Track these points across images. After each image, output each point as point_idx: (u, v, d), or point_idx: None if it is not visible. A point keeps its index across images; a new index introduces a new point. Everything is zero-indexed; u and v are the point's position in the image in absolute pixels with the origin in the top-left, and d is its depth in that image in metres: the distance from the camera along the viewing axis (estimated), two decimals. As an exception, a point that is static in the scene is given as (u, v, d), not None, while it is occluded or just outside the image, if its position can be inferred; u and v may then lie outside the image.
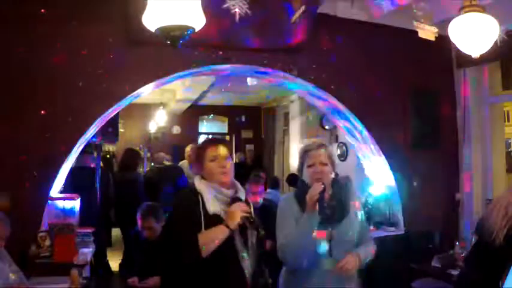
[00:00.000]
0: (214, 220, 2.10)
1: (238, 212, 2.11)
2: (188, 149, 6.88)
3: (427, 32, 3.32)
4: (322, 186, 2.29)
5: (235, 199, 2.20)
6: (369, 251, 2.49)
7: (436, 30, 3.23)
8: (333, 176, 2.45)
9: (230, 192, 2.23)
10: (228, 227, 2.08)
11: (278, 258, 2.47)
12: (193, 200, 2.15)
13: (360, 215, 2.51)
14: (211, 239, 2.05)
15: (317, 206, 2.26)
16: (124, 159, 6.17)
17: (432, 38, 3.34)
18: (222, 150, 2.25)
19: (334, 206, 2.35)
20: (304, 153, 2.49)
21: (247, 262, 2.15)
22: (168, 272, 2.20)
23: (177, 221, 2.16)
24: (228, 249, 2.09)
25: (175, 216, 2.23)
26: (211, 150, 2.25)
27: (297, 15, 3.51)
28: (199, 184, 2.22)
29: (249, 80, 5.59)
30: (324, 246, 2.32)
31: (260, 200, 4.13)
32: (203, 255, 2.02)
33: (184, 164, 6.96)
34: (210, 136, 9.75)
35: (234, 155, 10.99)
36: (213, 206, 2.13)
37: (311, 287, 2.38)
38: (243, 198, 2.27)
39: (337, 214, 2.37)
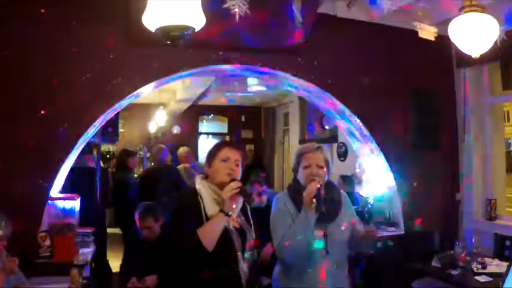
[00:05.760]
0: None
1: (229, 192, 2.10)
2: (181, 150, 6.85)
3: (427, 32, 3.32)
4: (319, 184, 2.37)
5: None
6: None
7: (436, 30, 3.24)
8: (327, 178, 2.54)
9: None
10: (224, 212, 2.08)
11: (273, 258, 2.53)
12: (195, 201, 2.15)
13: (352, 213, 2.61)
14: (211, 229, 2.04)
15: (314, 203, 2.33)
16: (119, 160, 6.17)
17: (432, 38, 3.35)
18: (237, 155, 2.25)
19: (329, 203, 2.43)
20: (301, 155, 2.55)
21: (244, 263, 2.14)
22: (168, 270, 2.19)
23: (182, 220, 2.11)
24: (226, 249, 2.09)
25: (179, 216, 2.17)
26: (226, 151, 2.25)
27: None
28: (199, 185, 2.21)
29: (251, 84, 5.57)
30: (320, 244, 2.37)
31: (265, 199, 4.24)
32: (208, 248, 2.01)
33: (180, 168, 6.49)
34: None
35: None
36: (212, 209, 2.12)
37: (307, 285, 2.40)
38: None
39: (332, 211, 2.45)
